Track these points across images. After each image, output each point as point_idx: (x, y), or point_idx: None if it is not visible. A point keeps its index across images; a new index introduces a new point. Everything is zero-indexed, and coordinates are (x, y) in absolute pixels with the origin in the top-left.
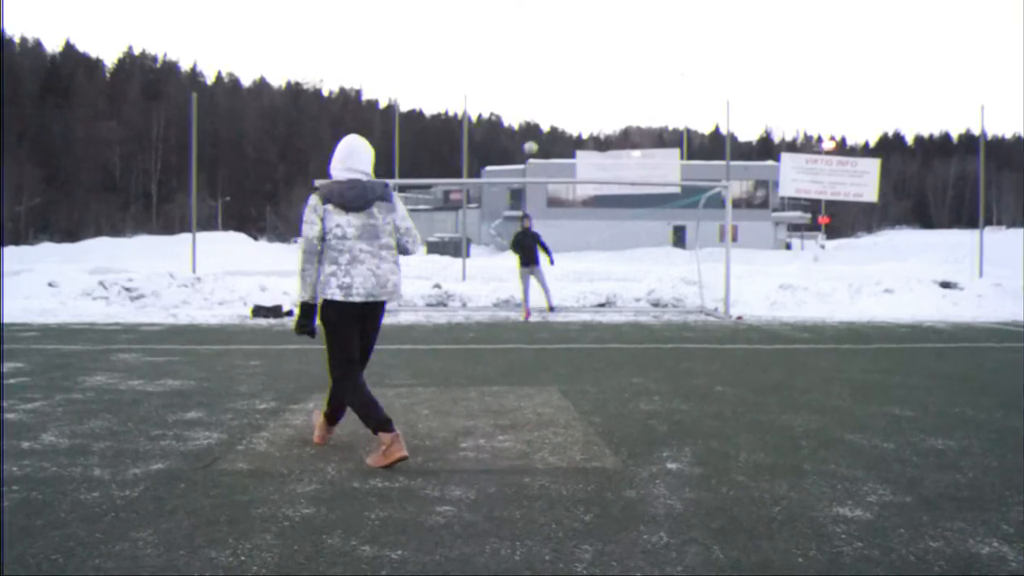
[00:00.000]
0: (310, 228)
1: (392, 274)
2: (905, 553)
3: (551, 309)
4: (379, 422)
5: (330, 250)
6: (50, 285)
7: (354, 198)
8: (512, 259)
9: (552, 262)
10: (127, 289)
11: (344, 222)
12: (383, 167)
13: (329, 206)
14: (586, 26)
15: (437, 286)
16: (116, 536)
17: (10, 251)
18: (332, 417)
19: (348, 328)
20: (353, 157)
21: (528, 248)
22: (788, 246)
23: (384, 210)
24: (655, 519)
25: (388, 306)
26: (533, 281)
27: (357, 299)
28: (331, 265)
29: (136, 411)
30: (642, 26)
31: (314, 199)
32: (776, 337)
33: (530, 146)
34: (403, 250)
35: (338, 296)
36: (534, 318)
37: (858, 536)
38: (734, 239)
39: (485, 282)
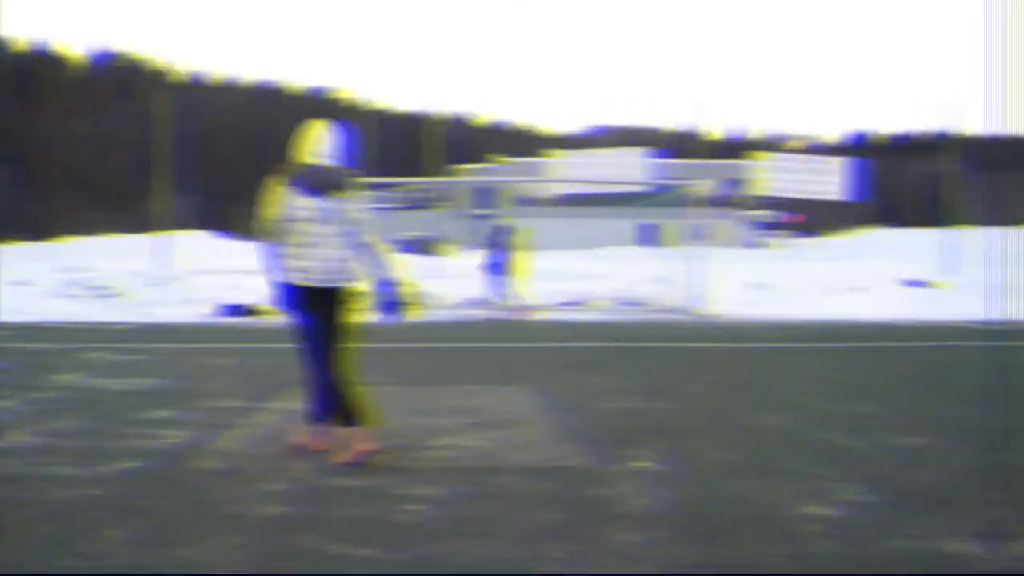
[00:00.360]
0: (271, 210)
1: (343, 261)
2: (874, 551)
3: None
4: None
5: (287, 233)
6: (19, 284)
7: (313, 183)
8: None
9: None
10: (97, 287)
11: (302, 205)
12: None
13: (291, 189)
14: (555, 21)
15: None
16: (86, 534)
17: None
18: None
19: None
20: (317, 144)
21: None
22: (754, 245)
23: (340, 198)
24: (624, 518)
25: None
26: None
27: (310, 283)
28: (287, 248)
29: (106, 410)
30: (614, 23)
31: (277, 181)
32: (745, 336)
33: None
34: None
35: (295, 280)
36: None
37: (826, 535)
38: (703, 237)
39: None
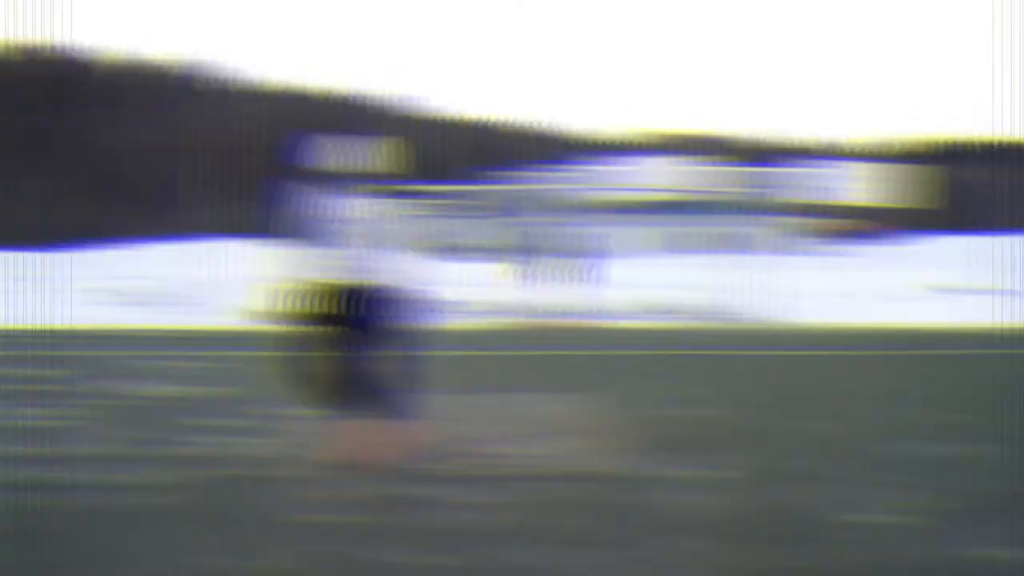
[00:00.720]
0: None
1: (370, 262)
2: (925, 559)
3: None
4: None
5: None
6: (82, 290)
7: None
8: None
9: None
10: (139, 294)
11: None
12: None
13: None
14: (599, 25)
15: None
16: (142, 542)
17: (35, 256)
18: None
19: None
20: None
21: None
22: (807, 251)
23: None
24: (680, 526)
25: None
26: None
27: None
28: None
29: (158, 417)
30: (660, 27)
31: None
32: (804, 342)
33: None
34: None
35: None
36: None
37: (877, 542)
38: (753, 244)
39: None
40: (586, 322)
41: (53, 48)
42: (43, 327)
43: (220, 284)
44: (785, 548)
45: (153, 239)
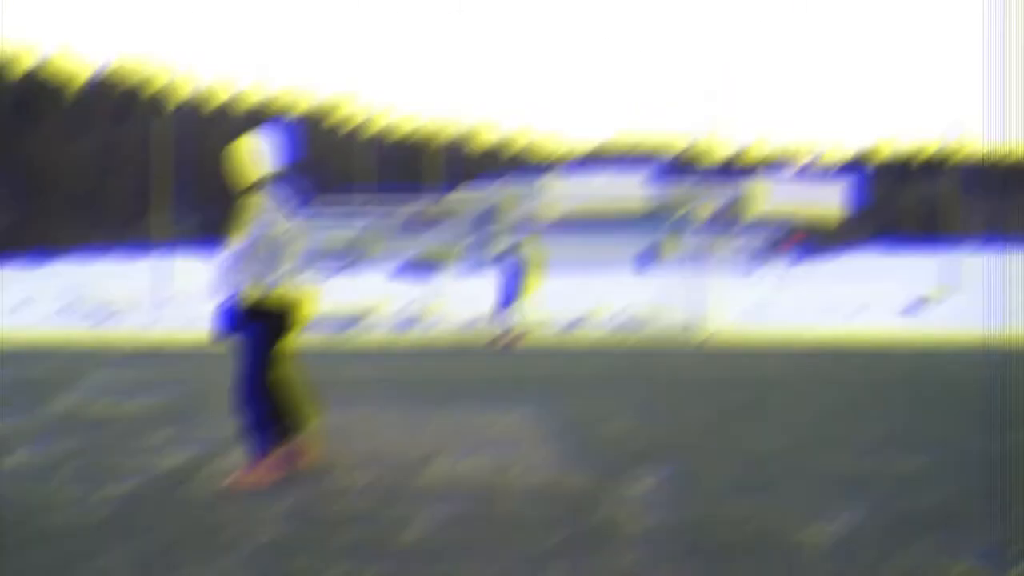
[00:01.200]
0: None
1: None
2: (875, 572)
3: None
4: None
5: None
6: (23, 303)
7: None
8: None
9: None
10: (97, 308)
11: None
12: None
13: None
14: (563, 30)
15: None
16: (87, 557)
17: None
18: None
19: None
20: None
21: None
22: (759, 265)
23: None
24: (626, 539)
25: None
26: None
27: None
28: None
29: (107, 431)
30: (616, 33)
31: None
32: (747, 356)
33: None
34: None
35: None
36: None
37: (828, 556)
38: (702, 257)
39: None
40: (529, 334)
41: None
42: None
43: (177, 296)
44: (729, 562)
45: (112, 249)
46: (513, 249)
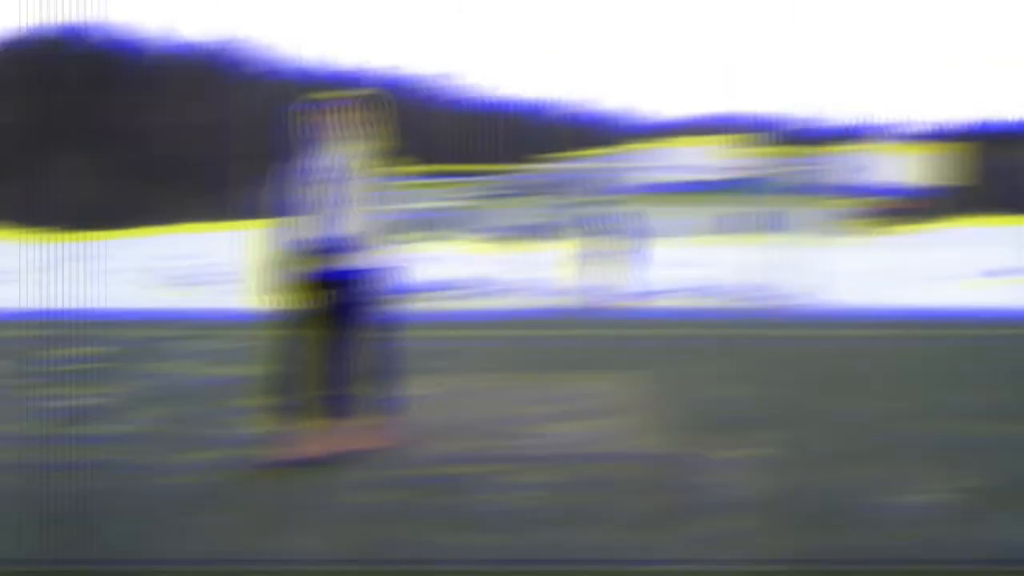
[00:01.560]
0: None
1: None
2: (969, 541)
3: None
4: None
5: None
6: (135, 273)
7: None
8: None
9: None
10: (183, 277)
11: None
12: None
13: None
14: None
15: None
16: (179, 523)
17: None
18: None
19: None
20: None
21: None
22: (845, 234)
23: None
24: (727, 506)
25: None
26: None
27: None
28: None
29: (199, 399)
30: (697, 12)
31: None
32: (851, 325)
33: None
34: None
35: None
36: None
37: (922, 522)
38: (795, 227)
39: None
40: (631, 302)
41: (93, 29)
42: (86, 309)
43: (251, 266)
44: (827, 529)
45: (197, 220)
46: (613, 217)
